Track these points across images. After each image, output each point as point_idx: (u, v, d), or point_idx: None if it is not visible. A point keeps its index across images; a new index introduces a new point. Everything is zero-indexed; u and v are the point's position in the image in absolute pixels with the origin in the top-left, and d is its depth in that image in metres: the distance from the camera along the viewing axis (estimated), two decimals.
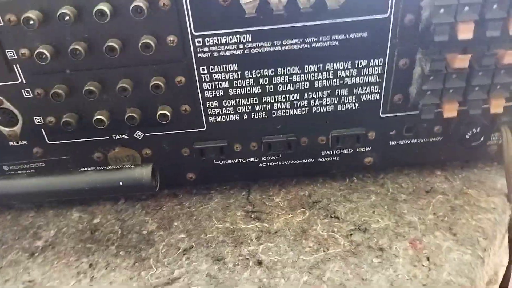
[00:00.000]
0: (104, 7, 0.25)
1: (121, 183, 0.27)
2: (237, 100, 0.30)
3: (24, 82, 0.29)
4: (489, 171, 0.36)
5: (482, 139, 0.32)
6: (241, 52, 0.28)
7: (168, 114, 0.29)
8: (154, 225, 0.33)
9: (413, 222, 0.31)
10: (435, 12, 0.25)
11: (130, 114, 0.29)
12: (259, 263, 0.29)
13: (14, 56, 0.28)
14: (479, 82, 0.28)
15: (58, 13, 0.25)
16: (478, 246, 0.29)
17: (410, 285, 0.26)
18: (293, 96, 0.30)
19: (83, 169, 0.28)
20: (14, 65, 0.28)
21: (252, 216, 0.33)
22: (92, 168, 0.28)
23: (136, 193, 0.32)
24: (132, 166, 0.28)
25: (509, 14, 0.26)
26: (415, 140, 0.33)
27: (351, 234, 0.31)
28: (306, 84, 0.30)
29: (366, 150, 0.33)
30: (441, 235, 0.30)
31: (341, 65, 0.29)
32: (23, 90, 0.29)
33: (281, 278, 0.28)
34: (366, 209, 0.33)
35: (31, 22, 0.25)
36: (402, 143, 0.33)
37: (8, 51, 0.28)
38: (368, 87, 0.30)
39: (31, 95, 0.29)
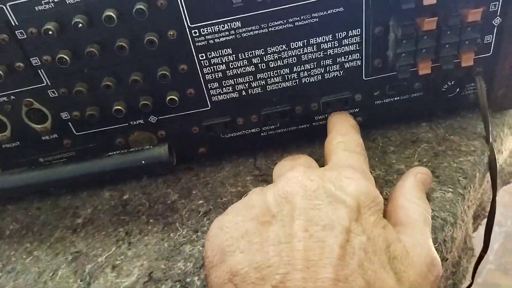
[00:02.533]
0: (111, 12, 0.28)
1: (143, 162, 0.32)
2: (235, 79, 0.34)
3: (49, 84, 0.33)
4: (470, 117, 0.39)
5: (457, 90, 0.35)
6: (233, 37, 0.32)
7: (176, 98, 0.33)
8: (176, 195, 0.38)
9: (400, 170, 0.35)
10: None
11: (144, 102, 0.33)
12: None
13: (38, 63, 0.32)
14: (448, 40, 0.32)
15: (73, 22, 0.29)
16: (458, 185, 0.33)
17: None
18: (283, 71, 0.34)
19: (110, 153, 0.33)
20: (38, 70, 0.32)
21: (260, 179, 0.38)
22: (117, 152, 0.32)
23: (157, 170, 0.37)
24: (151, 147, 0.32)
25: None
26: (399, 98, 0.37)
27: None
28: (294, 59, 0.33)
29: (355, 111, 0.37)
30: None
31: (323, 38, 0.32)
32: (49, 91, 0.33)
33: None
34: None
35: (50, 32, 0.29)
36: (387, 101, 0.37)
37: (32, 59, 0.32)
38: (350, 55, 0.34)
39: (57, 95, 0.33)
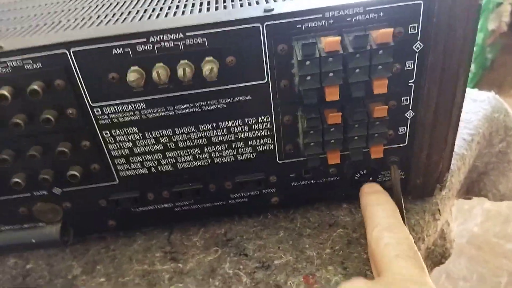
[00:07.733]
0: (5, 91, 0.28)
1: (33, 241, 0.30)
2: (143, 156, 0.33)
3: None
4: None
5: (370, 179, 0.35)
6: (139, 118, 0.31)
7: (77, 174, 0.32)
8: (79, 270, 0.36)
9: (311, 257, 0.34)
10: (302, 80, 0.29)
11: (43, 176, 0.32)
12: None
13: None
14: (356, 134, 0.31)
15: None
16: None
17: None
18: (194, 151, 0.33)
19: (1, 228, 0.31)
20: None
21: (169, 257, 0.36)
22: (8, 227, 0.31)
23: (49, 248, 0.35)
24: (44, 224, 0.31)
25: (371, 77, 0.29)
26: (315, 181, 0.36)
27: (254, 272, 0.34)
28: (204, 140, 0.33)
29: (271, 191, 0.36)
30: (333, 269, 0.33)
31: (233, 123, 0.32)
32: None
33: None
34: (273, 245, 0.36)
35: None
36: (303, 183, 0.36)
37: None
38: (262, 139, 0.33)
39: None
